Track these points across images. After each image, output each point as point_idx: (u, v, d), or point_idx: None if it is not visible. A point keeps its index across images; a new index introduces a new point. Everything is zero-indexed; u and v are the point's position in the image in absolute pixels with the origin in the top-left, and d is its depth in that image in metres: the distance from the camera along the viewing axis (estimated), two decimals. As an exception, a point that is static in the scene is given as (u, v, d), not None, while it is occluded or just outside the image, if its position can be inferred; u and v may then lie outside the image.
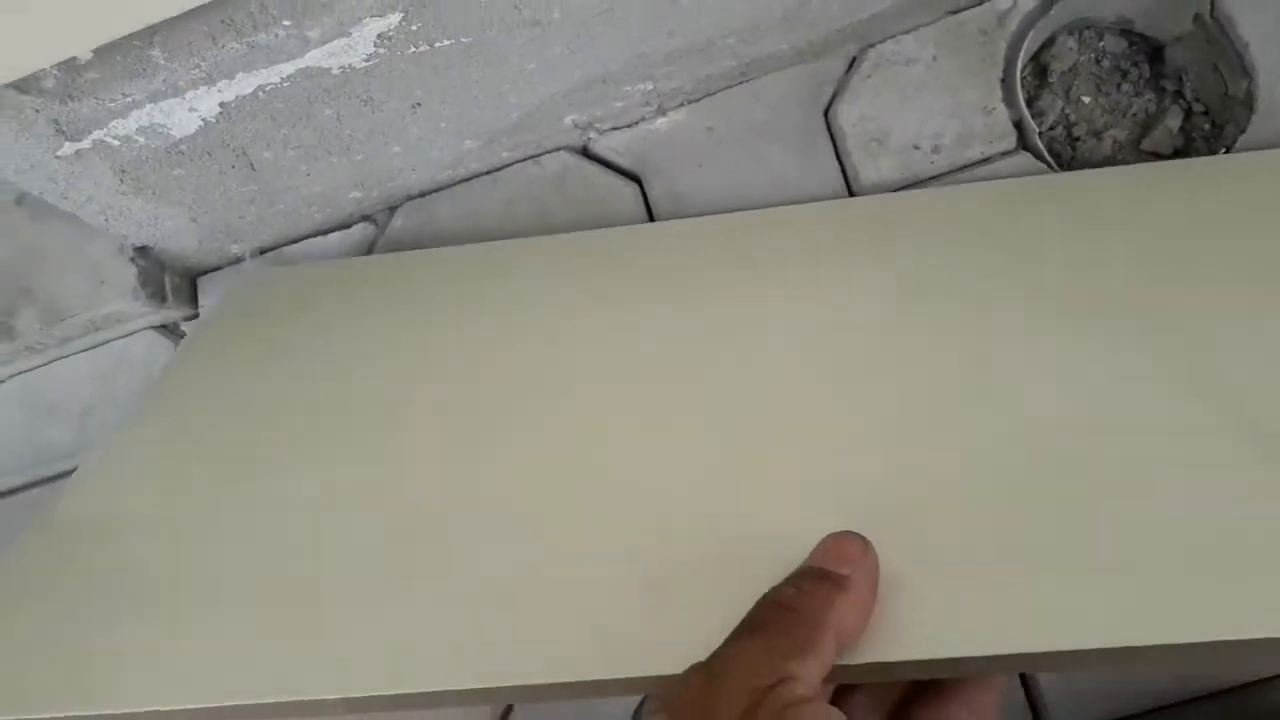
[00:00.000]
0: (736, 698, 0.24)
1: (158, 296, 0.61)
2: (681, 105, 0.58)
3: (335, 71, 0.49)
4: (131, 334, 0.63)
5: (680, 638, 0.27)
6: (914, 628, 0.28)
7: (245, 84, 0.49)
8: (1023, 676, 0.50)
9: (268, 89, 0.49)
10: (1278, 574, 0.27)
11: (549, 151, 0.60)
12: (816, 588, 0.27)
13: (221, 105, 0.50)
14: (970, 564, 0.30)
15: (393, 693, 0.33)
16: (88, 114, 0.48)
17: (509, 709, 0.55)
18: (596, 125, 0.58)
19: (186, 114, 0.50)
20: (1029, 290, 0.43)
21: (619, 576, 0.34)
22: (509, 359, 0.47)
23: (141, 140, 0.51)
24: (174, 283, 0.62)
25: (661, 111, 0.59)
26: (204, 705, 0.34)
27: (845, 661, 0.27)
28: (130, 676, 0.36)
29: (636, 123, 0.59)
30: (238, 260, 0.63)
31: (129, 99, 0.48)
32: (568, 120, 0.57)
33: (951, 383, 0.39)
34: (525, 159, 0.60)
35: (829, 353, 0.42)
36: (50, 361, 0.63)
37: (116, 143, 0.51)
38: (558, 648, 0.32)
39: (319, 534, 0.40)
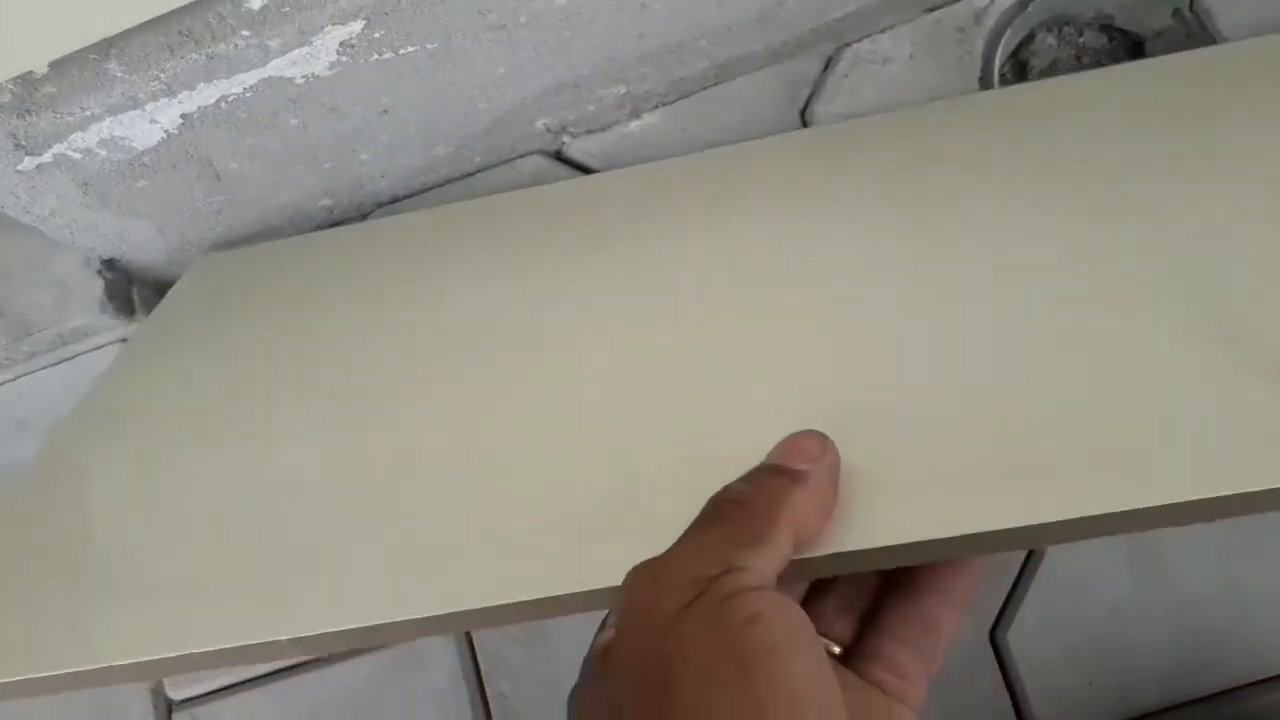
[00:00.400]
0: (681, 588, 0.23)
1: (126, 309, 0.60)
2: (655, 107, 0.57)
3: (299, 80, 0.48)
4: (100, 348, 0.62)
5: (647, 551, 0.26)
6: (876, 516, 0.28)
7: (207, 95, 0.48)
8: (1009, 685, 0.49)
9: (230, 99, 0.48)
10: (1246, 441, 0.28)
11: (522, 156, 0.59)
12: (771, 481, 0.27)
13: (183, 116, 0.49)
14: (932, 453, 0.30)
15: (351, 627, 0.32)
16: (46, 128, 0.47)
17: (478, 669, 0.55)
18: (570, 129, 0.57)
19: (148, 126, 0.49)
20: (988, 198, 0.42)
21: (583, 498, 0.34)
22: (471, 311, 0.47)
23: (103, 153, 0.50)
24: (142, 295, 0.61)
25: (635, 114, 0.58)
26: (171, 654, 0.34)
27: (806, 555, 0.27)
28: (81, 637, 0.36)
29: (610, 126, 0.58)
30: (207, 271, 0.61)
31: (88, 112, 0.47)
32: (540, 124, 0.56)
33: (913, 286, 0.39)
34: (498, 164, 0.59)
35: (787, 271, 0.42)
36: (18, 377, 0.62)
37: (78, 156, 0.50)
38: (522, 569, 0.32)
39: (279, 482, 0.40)
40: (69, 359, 0.62)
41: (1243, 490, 0.26)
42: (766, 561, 0.24)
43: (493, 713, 0.54)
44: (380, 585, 0.34)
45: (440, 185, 0.60)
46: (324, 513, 0.39)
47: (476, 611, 0.31)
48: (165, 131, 0.50)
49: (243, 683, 0.57)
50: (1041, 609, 0.49)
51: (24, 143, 0.48)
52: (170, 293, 0.56)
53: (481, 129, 0.55)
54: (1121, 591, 0.49)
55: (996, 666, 0.49)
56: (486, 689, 0.55)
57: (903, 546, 0.27)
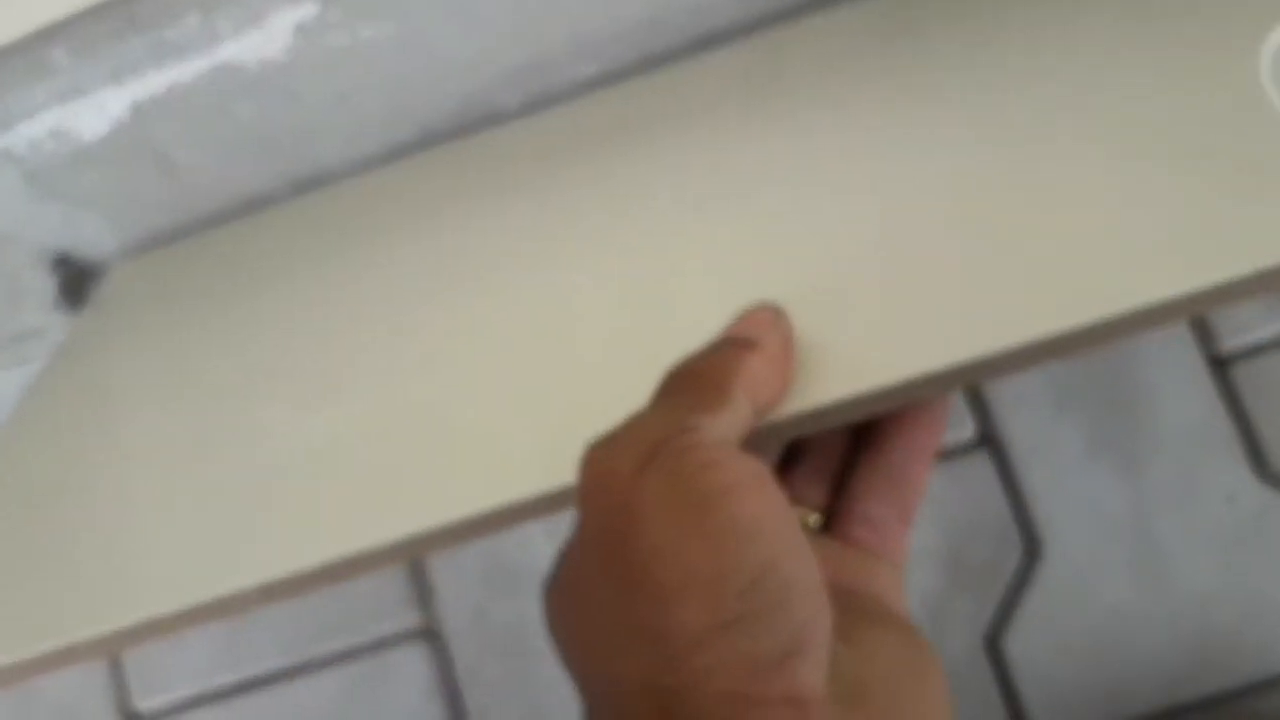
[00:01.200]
0: (637, 450, 0.23)
1: (81, 306, 0.57)
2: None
3: (252, 66, 0.46)
4: (55, 346, 0.59)
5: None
6: (833, 372, 0.29)
7: (156, 82, 0.45)
8: (1007, 689, 0.47)
9: (181, 86, 0.46)
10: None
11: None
12: (724, 351, 0.27)
13: (133, 105, 0.46)
14: (874, 308, 0.31)
15: (304, 567, 0.32)
16: (-14, 118, 0.45)
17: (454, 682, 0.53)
18: (538, 108, 0.55)
19: (96, 115, 0.46)
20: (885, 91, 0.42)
21: (543, 411, 0.34)
22: (406, 264, 0.46)
23: (50, 144, 0.47)
24: (96, 291, 0.58)
25: (611, 96, 0.55)
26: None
27: (769, 421, 0.28)
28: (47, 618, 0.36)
29: (584, 108, 0.55)
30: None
31: (32, 101, 0.45)
32: (508, 105, 0.53)
33: (838, 163, 0.39)
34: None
35: (715, 175, 0.42)
36: (-30, 379, 0.60)
37: (23, 147, 0.47)
38: (479, 481, 0.32)
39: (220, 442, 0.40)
40: (23, 362, 0.59)
41: (1168, 296, 0.27)
42: (723, 424, 0.25)
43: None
44: (347, 517, 0.34)
45: (409, 173, 0.57)
46: (274, 466, 0.38)
47: (448, 527, 0.31)
48: (114, 121, 0.47)
49: (208, 695, 0.55)
50: (1040, 613, 0.47)
51: (-39, 135, 0.45)
52: (91, 303, 0.55)
53: (446, 111, 0.53)
54: (1122, 593, 0.47)
55: (995, 673, 0.47)
56: (464, 703, 0.53)
57: (855, 399, 0.28)
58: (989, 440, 0.49)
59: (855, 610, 0.28)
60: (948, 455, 0.49)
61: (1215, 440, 0.47)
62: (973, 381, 0.30)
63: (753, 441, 0.27)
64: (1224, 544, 0.47)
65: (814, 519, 0.31)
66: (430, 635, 0.53)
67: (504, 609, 0.52)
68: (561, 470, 0.28)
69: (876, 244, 0.33)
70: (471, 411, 0.36)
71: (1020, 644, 0.47)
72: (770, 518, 0.23)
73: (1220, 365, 0.48)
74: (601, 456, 0.24)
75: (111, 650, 0.36)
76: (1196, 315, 0.28)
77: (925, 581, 0.49)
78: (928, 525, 0.49)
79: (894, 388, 0.28)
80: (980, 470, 0.49)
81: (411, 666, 0.53)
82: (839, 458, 0.32)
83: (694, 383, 0.26)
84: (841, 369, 0.29)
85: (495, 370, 0.37)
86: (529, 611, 0.52)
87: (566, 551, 0.26)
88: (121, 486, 0.41)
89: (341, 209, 0.54)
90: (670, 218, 0.41)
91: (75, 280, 0.57)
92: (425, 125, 0.53)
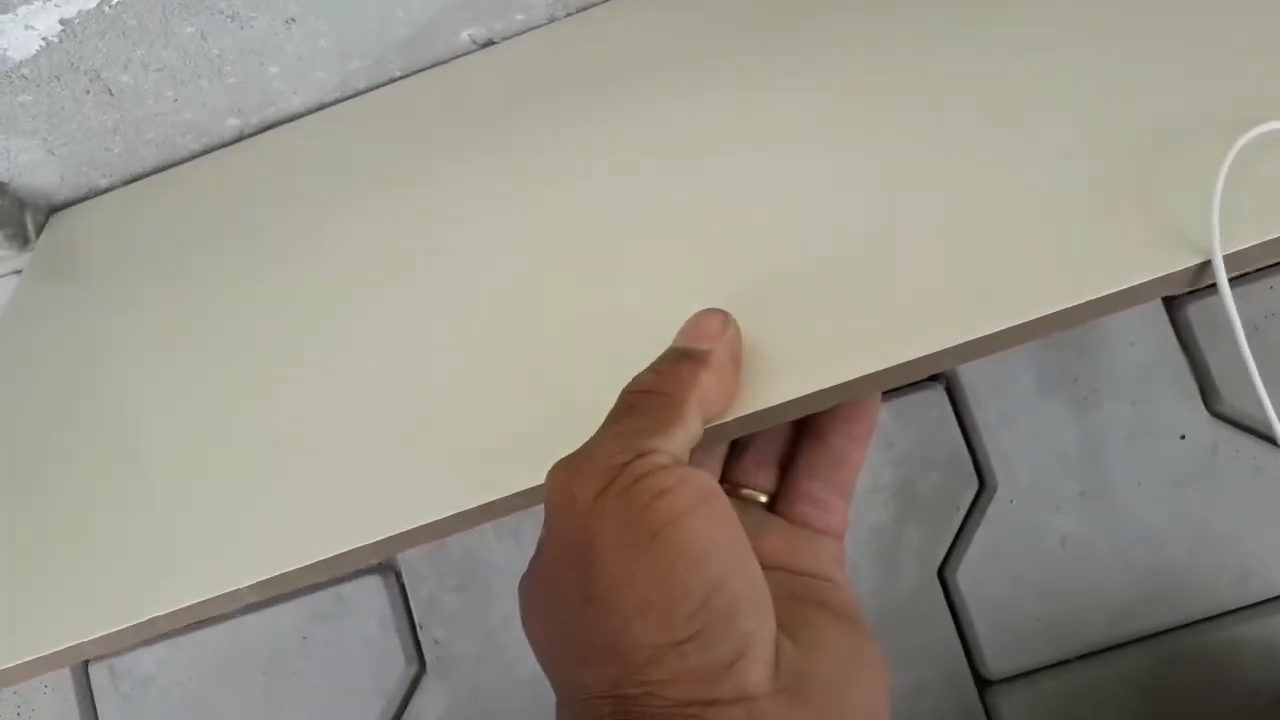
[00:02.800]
0: (596, 476, 0.25)
1: (19, 238, 0.55)
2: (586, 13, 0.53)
3: (190, -18, 0.44)
4: (-7, 280, 0.57)
5: (567, 447, 0.28)
6: (773, 376, 0.30)
7: (87, -3, 0.43)
8: (958, 621, 0.48)
9: (114, 3, 0.44)
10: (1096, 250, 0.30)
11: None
12: (677, 367, 0.29)
13: (62, 22, 0.44)
14: (817, 308, 0.32)
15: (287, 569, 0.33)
16: (-96, 34, 0.43)
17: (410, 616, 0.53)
18: (496, 39, 0.53)
19: (23, 33, 0.44)
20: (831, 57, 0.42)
21: (503, 406, 0.35)
22: (343, 242, 0.46)
23: (-24, 64, 0.45)
24: (37, 222, 0.56)
25: (568, 24, 0.53)
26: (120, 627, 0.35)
27: (717, 423, 0.29)
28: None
29: (542, 37, 0.54)
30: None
31: (-48, 17, 0.43)
32: (465, 35, 0.52)
33: (777, 156, 0.39)
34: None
35: (665, 156, 0.42)
36: (-96, 312, 0.58)
37: (-53, 67, 0.45)
38: (455, 482, 0.33)
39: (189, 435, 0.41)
40: (-41, 291, 0.58)
41: (1097, 295, 0.28)
42: (676, 442, 0.26)
43: (426, 660, 0.52)
44: (329, 516, 0.35)
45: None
46: (237, 462, 0.38)
47: (422, 528, 0.33)
48: (44, 39, 0.45)
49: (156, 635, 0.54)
50: (991, 546, 0.48)
51: (-120, 51, 0.43)
52: (29, 263, 0.53)
53: (400, 40, 0.51)
54: (1073, 527, 0.47)
55: (945, 604, 0.48)
56: (419, 635, 0.52)
57: (798, 400, 0.30)
58: (942, 376, 0.49)
59: (801, 597, 0.31)
60: (901, 391, 0.49)
61: (1167, 377, 0.47)
62: (914, 377, 0.30)
63: (704, 440, 0.29)
64: (1174, 480, 0.47)
65: (763, 500, 0.34)
66: (386, 569, 0.53)
67: (460, 542, 0.51)
68: (532, 472, 0.30)
69: (819, 245, 0.34)
70: (433, 406, 0.36)
71: (971, 576, 0.48)
72: (719, 537, 0.25)
73: (1174, 304, 0.48)
74: (564, 480, 0.26)
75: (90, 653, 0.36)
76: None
77: (878, 514, 0.49)
78: (881, 459, 0.49)
79: (835, 389, 0.29)
80: (933, 405, 0.49)
81: (369, 599, 0.52)
82: (783, 443, 0.35)
83: (648, 403, 0.28)
84: (785, 371, 0.30)
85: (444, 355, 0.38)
86: (485, 546, 0.52)
87: (538, 556, 0.28)
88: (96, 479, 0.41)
89: (295, 155, 0.53)
90: (621, 190, 0.41)
91: (13, 211, 0.55)
92: (378, 55, 0.51)
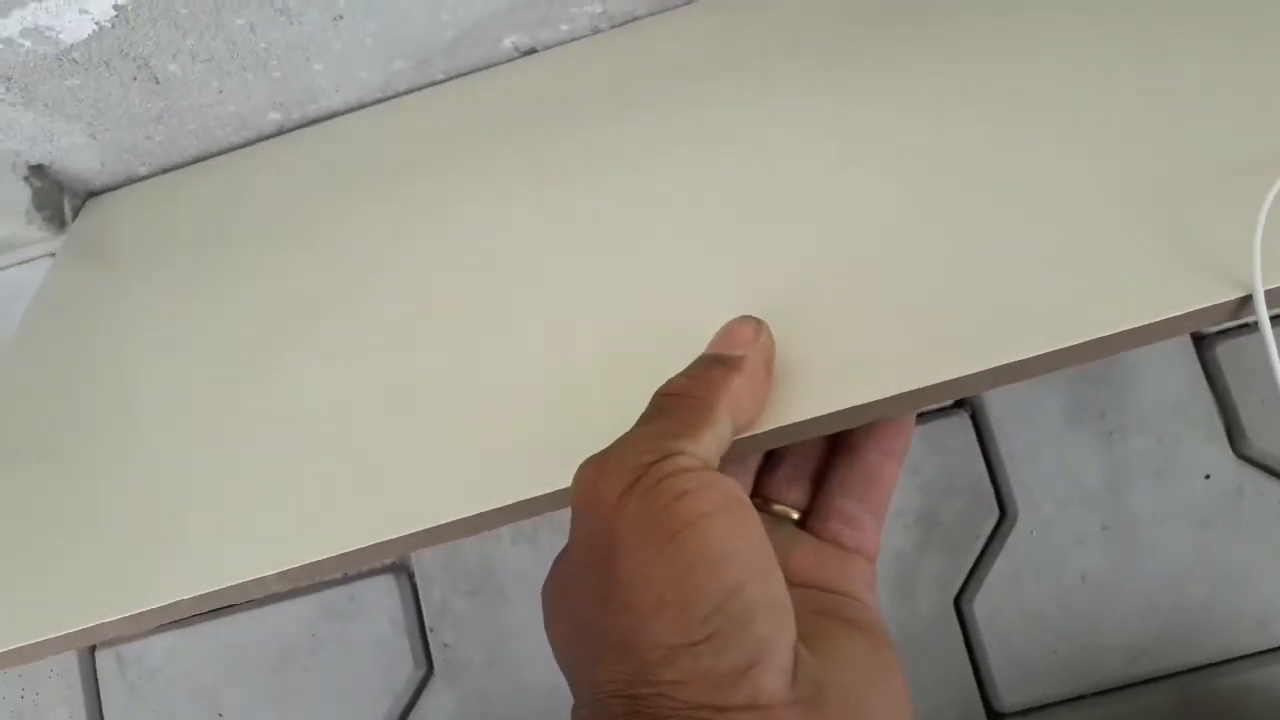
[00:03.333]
0: (622, 475, 0.25)
1: (56, 220, 0.55)
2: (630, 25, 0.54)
3: (245, -26, 0.44)
4: (28, 261, 0.58)
5: (596, 446, 0.28)
6: (807, 390, 0.30)
7: (142, -16, 0.44)
8: (972, 651, 0.47)
9: (168, -9, 0.44)
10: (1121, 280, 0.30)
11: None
12: (709, 371, 0.29)
13: (116, 8, 0.45)
14: (854, 323, 0.32)
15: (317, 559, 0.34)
16: (-39, 11, 0.43)
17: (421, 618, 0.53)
18: (539, 48, 0.53)
19: (77, 16, 0.45)
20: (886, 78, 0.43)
21: (537, 408, 0.35)
22: (383, 234, 0.47)
23: (27, 44, 0.46)
24: (74, 206, 0.56)
25: (611, 37, 0.54)
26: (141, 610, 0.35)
27: (749, 433, 0.29)
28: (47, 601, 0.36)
29: (584, 49, 0.54)
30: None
31: (10, -3, 0.43)
32: (508, 42, 0.52)
33: (830, 170, 0.39)
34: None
35: (701, 164, 0.42)
36: (-63, 289, 0.58)
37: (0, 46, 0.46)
38: (487, 480, 0.33)
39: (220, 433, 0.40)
40: (-8, 271, 0.58)
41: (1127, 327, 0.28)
42: (704, 446, 0.26)
43: (435, 663, 0.52)
44: (357, 508, 0.35)
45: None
46: (275, 452, 0.38)
47: (453, 523, 0.32)
48: (96, 24, 0.45)
49: (171, 621, 0.54)
50: (1010, 577, 0.47)
51: (-64, 27, 0.43)
52: (62, 245, 0.54)
53: (444, 43, 0.51)
54: (1093, 563, 0.47)
55: (961, 633, 0.48)
56: (429, 639, 0.52)
57: (831, 415, 0.30)
58: (968, 404, 0.49)
59: (827, 612, 0.30)
60: (927, 417, 0.49)
61: (1195, 417, 0.47)
62: (948, 398, 0.31)
63: (735, 452, 0.29)
64: (1198, 520, 0.47)
65: (795, 517, 0.34)
66: (398, 570, 0.53)
67: (474, 547, 0.51)
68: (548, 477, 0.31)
69: (859, 260, 0.34)
70: (459, 406, 0.37)
71: (988, 606, 0.47)
72: (740, 542, 0.25)
73: (1203, 343, 0.48)
74: (591, 477, 0.26)
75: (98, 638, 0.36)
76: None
77: (899, 539, 0.48)
78: (904, 484, 0.48)
79: (867, 406, 0.30)
80: (958, 433, 0.49)
81: (380, 599, 0.52)
82: (816, 460, 0.35)
83: (679, 405, 0.28)
84: (819, 385, 0.30)
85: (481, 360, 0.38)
86: (500, 551, 0.52)
87: (561, 557, 0.28)
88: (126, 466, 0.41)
89: (334, 152, 0.53)
90: (656, 198, 0.42)
91: (51, 193, 0.55)
92: (421, 57, 0.52)
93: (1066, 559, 0.47)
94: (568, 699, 0.27)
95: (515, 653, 0.50)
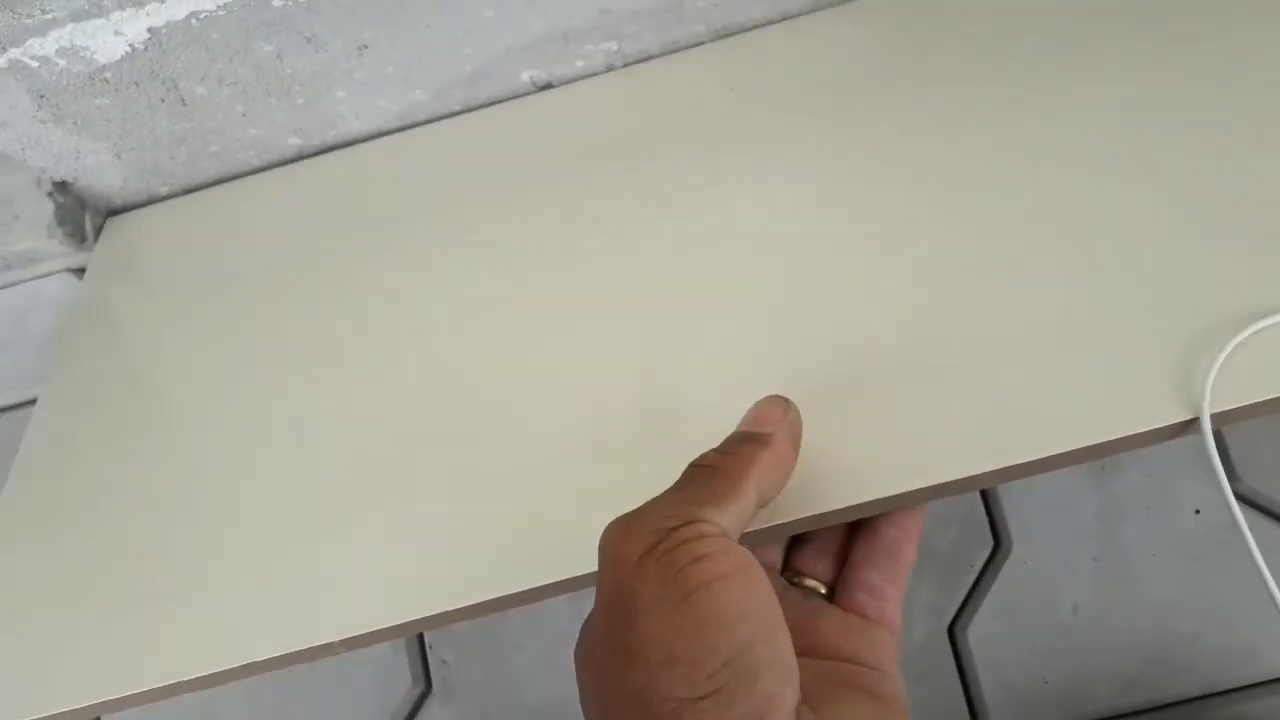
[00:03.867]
0: (645, 537, 0.27)
1: (76, 236, 0.57)
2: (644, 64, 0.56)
3: (276, 3, 0.46)
4: (46, 275, 0.59)
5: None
6: (831, 481, 0.33)
7: (177, 9, 0.46)
8: (964, 681, 0.48)
9: (202, 16, 0.46)
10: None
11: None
12: (740, 448, 0.31)
13: (150, 31, 0.47)
14: (877, 414, 0.35)
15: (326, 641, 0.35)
16: (2, 30, 0.45)
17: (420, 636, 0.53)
18: (555, 83, 0.55)
19: (112, 37, 0.47)
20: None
21: (566, 482, 0.37)
22: (382, 287, 0.48)
23: (62, 63, 0.48)
24: (95, 223, 0.58)
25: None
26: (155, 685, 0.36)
27: (780, 520, 0.32)
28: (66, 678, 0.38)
29: (597, 84, 0.56)
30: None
31: (48, 15, 0.45)
32: (525, 76, 0.54)
33: (846, 240, 0.41)
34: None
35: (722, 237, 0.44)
36: (-43, 300, 0.59)
37: (34, 64, 0.47)
38: (519, 558, 0.35)
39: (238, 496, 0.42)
40: (12, 285, 0.59)
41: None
42: (727, 515, 0.28)
43: (433, 681, 0.52)
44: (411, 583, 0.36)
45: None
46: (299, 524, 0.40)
47: (488, 601, 0.35)
48: (130, 45, 0.47)
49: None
50: (1002, 605, 0.48)
51: (-23, 43, 0.45)
52: (90, 268, 0.56)
53: (464, 75, 0.53)
54: (1085, 594, 0.48)
55: (954, 661, 0.48)
56: (428, 656, 0.53)
57: (859, 505, 0.32)
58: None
59: (848, 683, 0.32)
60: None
61: (1186, 453, 0.48)
62: (966, 491, 0.33)
63: (770, 534, 0.33)
64: (1189, 554, 0.48)
65: (823, 591, 0.36)
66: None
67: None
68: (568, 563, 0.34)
69: (889, 354, 0.37)
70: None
71: (981, 635, 0.48)
72: (751, 605, 0.27)
73: (1195, 383, 0.49)
74: (617, 540, 0.27)
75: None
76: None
77: (895, 567, 0.49)
78: (902, 512, 0.49)
79: (894, 498, 0.32)
80: (957, 464, 0.50)
81: None
82: (840, 538, 0.37)
83: (709, 476, 0.29)
84: (845, 478, 0.33)
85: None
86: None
87: (589, 618, 0.29)
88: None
89: (352, 181, 0.55)
90: (684, 259, 0.43)
91: (73, 210, 0.57)
92: (441, 88, 0.54)
93: (1058, 590, 0.48)
94: (565, 716, 0.28)
95: (514, 671, 0.51)
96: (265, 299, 0.49)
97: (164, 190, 0.58)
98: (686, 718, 0.25)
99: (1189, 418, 0.32)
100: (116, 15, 0.45)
